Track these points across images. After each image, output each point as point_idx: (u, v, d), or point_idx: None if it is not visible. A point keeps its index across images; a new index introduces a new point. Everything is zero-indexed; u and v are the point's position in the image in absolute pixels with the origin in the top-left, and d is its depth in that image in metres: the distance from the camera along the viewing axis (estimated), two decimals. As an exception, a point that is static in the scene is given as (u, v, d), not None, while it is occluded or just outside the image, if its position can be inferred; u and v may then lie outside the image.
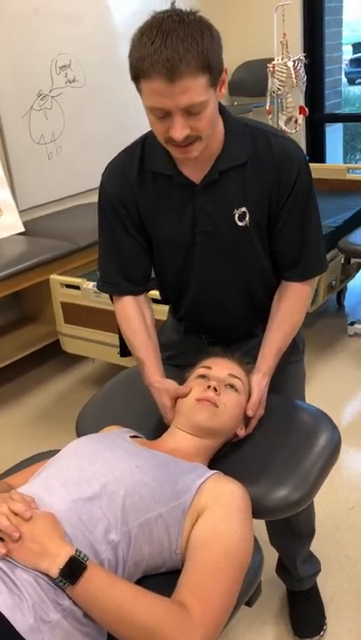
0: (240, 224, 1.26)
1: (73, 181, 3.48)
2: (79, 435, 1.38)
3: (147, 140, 1.28)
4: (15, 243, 2.96)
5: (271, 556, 1.65)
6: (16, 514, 0.89)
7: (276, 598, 1.74)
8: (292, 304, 1.35)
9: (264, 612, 1.70)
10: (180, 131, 1.08)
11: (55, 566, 0.85)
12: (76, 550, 0.87)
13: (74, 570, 0.85)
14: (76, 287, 2.55)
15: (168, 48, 1.01)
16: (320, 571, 1.69)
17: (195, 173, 1.24)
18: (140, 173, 1.28)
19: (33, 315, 3.17)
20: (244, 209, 1.26)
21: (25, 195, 3.26)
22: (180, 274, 1.37)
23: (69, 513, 0.94)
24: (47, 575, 0.86)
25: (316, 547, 1.67)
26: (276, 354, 1.32)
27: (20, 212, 3.18)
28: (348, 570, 1.81)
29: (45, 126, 3.32)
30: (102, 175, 1.34)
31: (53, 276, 2.64)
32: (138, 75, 1.06)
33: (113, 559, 0.93)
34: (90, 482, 0.99)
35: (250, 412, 1.24)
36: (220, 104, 1.19)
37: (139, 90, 1.10)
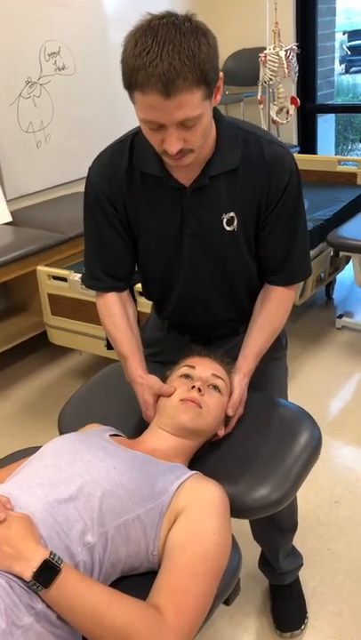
0: (228, 229, 1.26)
1: (62, 170, 3.45)
2: (61, 431, 1.38)
3: (136, 137, 1.26)
4: (2, 233, 2.94)
5: (254, 550, 1.66)
6: (-11, 516, 0.89)
7: (258, 592, 1.75)
8: (275, 307, 1.35)
9: (246, 605, 1.71)
10: (174, 144, 1.07)
11: (29, 570, 0.85)
12: (51, 553, 0.87)
13: (47, 573, 0.85)
14: (64, 279, 2.53)
15: (164, 61, 0.97)
16: (302, 565, 1.70)
17: (184, 177, 1.23)
18: (128, 171, 1.26)
19: (20, 306, 3.15)
20: (232, 214, 1.25)
21: (13, 184, 3.22)
22: (165, 274, 1.36)
23: (45, 514, 0.93)
24: (21, 579, 0.85)
25: (298, 541, 1.68)
26: (256, 355, 1.32)
27: (8, 201, 3.15)
28: (330, 564, 1.82)
29: (34, 114, 3.28)
30: (89, 169, 1.32)
31: (40, 268, 2.62)
32: (131, 85, 1.03)
33: (89, 561, 0.93)
34: (67, 482, 0.98)
35: (230, 412, 1.24)
36: (214, 109, 1.18)
37: (132, 99, 1.07)
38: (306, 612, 1.66)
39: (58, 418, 1.43)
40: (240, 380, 1.28)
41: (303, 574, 1.73)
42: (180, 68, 0.98)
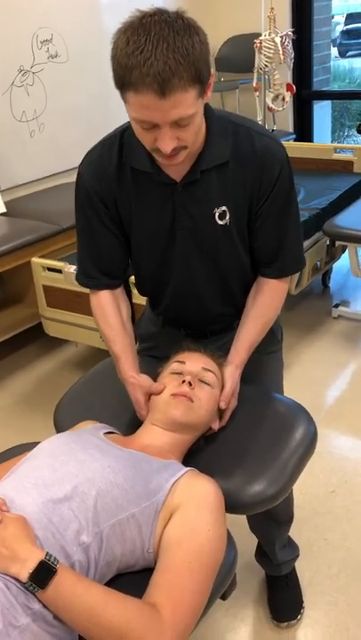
0: (220, 222, 1.25)
1: (56, 159, 3.42)
2: (57, 426, 1.38)
3: (126, 133, 1.24)
4: (-4, 224, 2.92)
5: (250, 541, 1.67)
6: (-14, 517, 0.89)
7: (254, 583, 1.76)
8: (268, 300, 1.35)
9: (243, 596, 1.73)
10: (168, 143, 1.06)
11: (25, 571, 0.85)
12: (46, 554, 0.87)
13: (44, 574, 0.85)
14: (59, 271, 2.52)
15: (159, 60, 0.95)
16: (298, 556, 1.71)
17: (175, 172, 1.22)
18: (118, 168, 1.25)
19: (16, 297, 3.13)
20: (224, 208, 1.24)
21: (7, 174, 3.20)
22: (159, 271, 1.35)
23: (40, 515, 0.94)
24: (17, 579, 0.85)
25: (295, 531, 1.69)
26: (248, 347, 1.32)
27: (2, 191, 3.13)
28: (326, 554, 1.84)
29: (27, 103, 3.25)
30: (80, 166, 1.31)
31: (35, 260, 2.61)
32: (124, 85, 1.01)
33: (84, 561, 0.93)
34: (61, 482, 0.99)
35: (223, 404, 1.25)
36: (205, 104, 1.16)
37: (123, 98, 1.05)
38: (302, 603, 1.68)
39: (54, 413, 1.43)
40: (232, 373, 1.28)
41: (299, 564, 1.74)
42: (175, 67, 0.97)
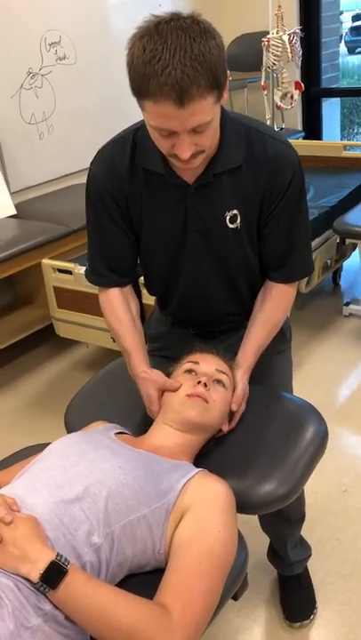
0: (231, 226, 1.25)
1: (65, 161, 3.43)
2: (68, 427, 1.38)
3: (138, 133, 1.24)
4: (7, 226, 2.94)
5: (262, 540, 1.67)
6: (-3, 518, 0.89)
7: (266, 583, 1.76)
8: (276, 304, 1.35)
9: (255, 596, 1.72)
10: (186, 150, 1.06)
11: (36, 571, 0.85)
12: (57, 555, 0.87)
13: (54, 575, 0.85)
14: (69, 272, 2.53)
15: (177, 68, 0.95)
16: (311, 555, 1.71)
17: (188, 174, 1.22)
18: (130, 167, 1.25)
19: (26, 298, 3.15)
20: (235, 211, 1.24)
21: (16, 176, 3.22)
22: (168, 271, 1.36)
23: (51, 515, 0.94)
24: (28, 580, 0.86)
25: (307, 531, 1.68)
26: (256, 351, 1.32)
27: (12, 193, 3.14)
28: (339, 554, 1.83)
29: (36, 105, 3.27)
30: (91, 164, 1.31)
31: (45, 261, 2.62)
32: (142, 94, 1.01)
33: (96, 562, 0.94)
34: (72, 483, 0.99)
35: (234, 407, 1.25)
36: None
37: (141, 106, 1.05)
38: (315, 603, 1.67)
39: (64, 414, 1.43)
40: (242, 376, 1.29)
41: (312, 564, 1.74)
42: (193, 76, 0.96)
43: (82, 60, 3.45)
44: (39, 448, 1.23)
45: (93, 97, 3.54)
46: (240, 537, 1.09)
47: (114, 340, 2.36)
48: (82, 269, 2.46)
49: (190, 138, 1.05)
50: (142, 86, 0.99)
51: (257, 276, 1.37)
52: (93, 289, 2.43)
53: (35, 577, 0.85)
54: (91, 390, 1.49)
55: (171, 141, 1.07)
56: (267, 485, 1.16)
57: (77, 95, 3.46)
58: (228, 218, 1.24)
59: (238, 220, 1.25)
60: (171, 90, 0.96)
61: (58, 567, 0.86)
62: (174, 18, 0.99)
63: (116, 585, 0.97)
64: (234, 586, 1.06)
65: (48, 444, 1.16)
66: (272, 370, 1.44)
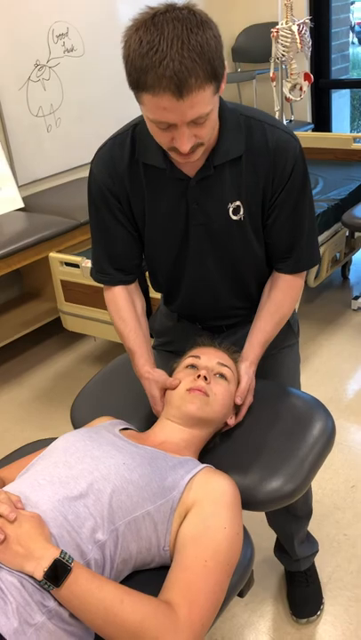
0: (234, 218, 1.24)
1: (73, 154, 3.42)
2: (74, 423, 1.38)
3: (137, 128, 1.23)
4: (15, 219, 2.93)
5: (269, 536, 1.66)
6: (0, 515, 0.89)
7: (273, 579, 1.75)
8: (283, 295, 1.34)
9: (261, 592, 1.72)
10: (186, 143, 1.04)
11: (40, 569, 0.85)
12: (61, 552, 0.87)
13: (59, 572, 0.85)
14: (76, 265, 2.52)
15: (174, 60, 0.93)
16: (318, 551, 1.70)
17: (188, 167, 1.20)
18: (130, 164, 1.24)
19: (34, 292, 3.15)
20: (238, 203, 1.22)
21: (24, 169, 3.21)
22: (173, 266, 1.34)
23: (55, 512, 0.93)
24: (33, 577, 0.85)
25: (314, 526, 1.67)
26: (263, 343, 1.31)
27: (20, 186, 3.13)
28: (346, 549, 1.82)
29: (43, 98, 3.25)
30: (91, 163, 1.30)
31: (52, 255, 2.62)
32: (139, 87, 0.99)
33: (100, 559, 0.93)
34: (77, 480, 0.98)
35: (238, 400, 1.23)
36: None
37: (138, 99, 1.04)
38: (322, 599, 1.66)
39: (70, 409, 1.43)
40: (247, 368, 1.27)
41: (319, 560, 1.73)
42: (191, 67, 0.95)
43: (90, 51, 3.43)
44: (43, 444, 1.23)
45: (101, 89, 3.52)
46: (246, 533, 1.08)
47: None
48: (89, 263, 2.45)
49: (190, 130, 1.04)
50: (140, 79, 0.98)
51: (263, 268, 1.35)
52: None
53: (39, 574, 0.85)
54: (96, 385, 1.48)
55: (170, 135, 1.05)
56: (273, 482, 1.15)
57: (85, 87, 3.45)
58: (231, 210, 1.23)
59: (242, 212, 1.23)
60: (169, 82, 0.95)
61: (62, 565, 0.85)
62: (170, 9, 0.98)
63: (121, 582, 0.97)
64: (240, 583, 1.05)
65: (52, 439, 1.16)
66: (279, 364, 1.42)
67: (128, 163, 1.24)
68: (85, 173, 3.84)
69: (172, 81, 0.95)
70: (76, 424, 1.37)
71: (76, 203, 3.04)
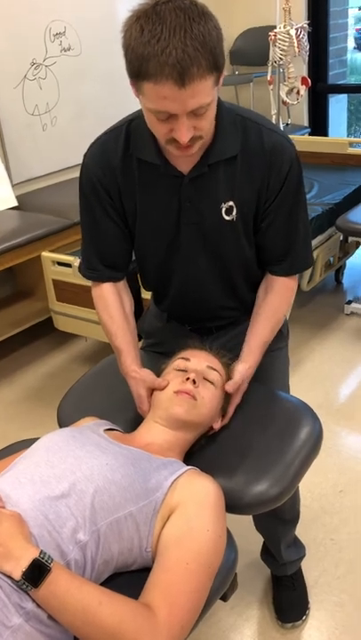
0: (227, 218, 1.23)
1: (69, 153, 3.41)
2: (60, 423, 1.37)
3: (132, 124, 1.22)
4: (8, 218, 2.92)
5: (255, 539, 1.65)
6: (-20, 514, 0.88)
7: (259, 582, 1.74)
8: (279, 298, 1.33)
9: (247, 596, 1.71)
10: (185, 134, 1.03)
11: (18, 569, 0.84)
12: (41, 552, 0.86)
13: (37, 573, 0.84)
14: (68, 265, 2.51)
15: (177, 48, 0.93)
16: (305, 556, 1.69)
17: (183, 164, 1.20)
18: (124, 158, 1.23)
19: (27, 291, 3.14)
20: (231, 203, 1.22)
21: (19, 168, 3.20)
22: (163, 264, 1.34)
23: (36, 512, 0.92)
24: (10, 578, 0.84)
25: (301, 530, 1.67)
26: (262, 347, 1.31)
27: (14, 185, 3.12)
28: (333, 554, 1.81)
29: (40, 97, 3.24)
30: (84, 157, 1.29)
31: (45, 254, 2.60)
32: (140, 75, 0.99)
33: (81, 559, 0.92)
34: (59, 479, 0.97)
35: (228, 388, 1.23)
36: None
37: (138, 89, 1.03)
38: (308, 603, 1.66)
39: (57, 409, 1.42)
40: (244, 369, 1.27)
41: (306, 564, 1.72)
42: (194, 56, 0.94)
43: (86, 51, 3.42)
44: (28, 443, 1.21)
45: (98, 88, 3.51)
46: (229, 536, 1.07)
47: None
48: (81, 262, 2.45)
49: (189, 121, 1.03)
50: (141, 67, 0.97)
51: (254, 270, 1.35)
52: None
53: (17, 575, 0.84)
54: (83, 386, 1.47)
55: (169, 126, 1.04)
56: (259, 485, 1.14)
57: (81, 87, 3.44)
58: (223, 210, 1.22)
59: (234, 212, 1.23)
60: (172, 69, 0.94)
61: (41, 565, 0.84)
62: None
63: (102, 584, 0.96)
64: (222, 586, 1.04)
65: (37, 439, 1.14)
66: (269, 367, 1.41)
67: (122, 156, 1.23)
68: (80, 173, 3.80)
69: (175, 69, 0.94)
70: (62, 424, 1.36)
71: (69, 202, 3.02)
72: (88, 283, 2.43)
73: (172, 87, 0.97)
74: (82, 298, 2.52)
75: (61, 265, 2.54)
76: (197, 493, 1.02)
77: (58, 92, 3.33)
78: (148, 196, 1.24)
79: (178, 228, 1.26)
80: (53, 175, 3.40)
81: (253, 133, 1.20)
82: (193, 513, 1.00)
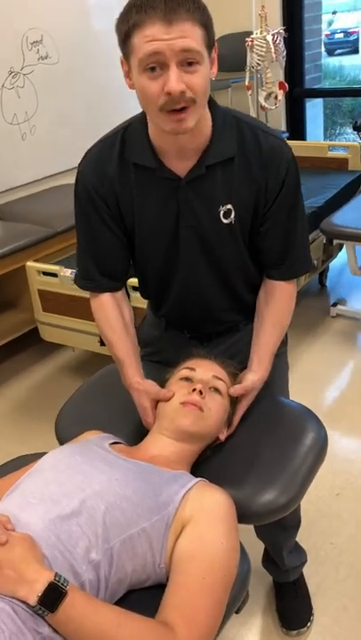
0: (225, 221, 1.22)
1: (49, 162, 3.38)
2: (59, 437, 1.34)
3: (127, 130, 1.21)
4: (-11, 228, 2.87)
5: (256, 546, 1.64)
6: (-10, 537, 0.85)
7: (261, 590, 1.73)
8: (282, 305, 1.33)
9: (250, 604, 1.67)
10: (176, 82, 1.01)
11: (34, 594, 0.81)
12: (56, 575, 0.83)
13: (53, 597, 0.81)
14: (54, 274, 2.48)
15: None
16: (306, 561, 1.68)
17: (179, 167, 1.18)
18: (120, 165, 1.21)
19: (11, 301, 3.08)
20: (229, 206, 1.21)
21: (-1, 177, 3.16)
22: (162, 270, 1.32)
23: (47, 532, 0.90)
24: (25, 603, 0.81)
25: (300, 536, 1.65)
26: (271, 356, 1.30)
27: (-5, 195, 3.09)
28: (333, 558, 1.81)
29: (18, 105, 3.21)
30: (79, 165, 1.27)
31: (30, 264, 2.56)
32: (130, 29, 1.01)
33: (95, 579, 0.90)
34: (68, 497, 0.95)
35: (232, 392, 1.21)
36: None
37: (129, 50, 1.03)
38: (311, 609, 1.65)
39: (55, 424, 1.39)
40: (255, 379, 1.25)
41: (307, 570, 1.71)
42: (181, 1, 0.98)
43: (64, 59, 3.40)
44: (28, 459, 1.18)
45: (76, 97, 3.49)
46: (241, 548, 1.05)
47: (100, 344, 2.33)
48: (67, 272, 2.41)
49: (180, 72, 1.01)
50: (130, 21, 1.00)
51: (253, 273, 1.34)
52: (79, 292, 2.37)
53: (33, 600, 0.81)
54: (81, 398, 1.44)
55: (161, 82, 1.02)
56: (267, 494, 1.13)
57: (60, 95, 3.41)
58: (222, 213, 1.21)
59: (232, 215, 1.21)
60: (160, 9, 0.97)
61: (57, 588, 0.82)
62: None
63: (115, 603, 0.93)
64: (238, 598, 1.02)
65: (37, 454, 1.11)
66: (270, 374, 1.40)
67: (117, 164, 1.21)
68: (61, 181, 3.81)
69: (161, 9, 0.97)
70: (61, 437, 1.32)
71: (52, 211, 2.99)
72: (75, 292, 2.42)
73: (159, 25, 0.98)
74: (68, 307, 2.49)
75: (47, 275, 2.51)
76: (209, 506, 1.00)
77: (36, 101, 3.29)
78: (145, 200, 1.23)
79: (176, 232, 1.24)
80: (34, 184, 3.36)
81: (250, 136, 1.19)
82: (206, 526, 0.98)
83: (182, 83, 1.02)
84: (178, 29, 0.98)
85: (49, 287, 2.52)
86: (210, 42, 1.04)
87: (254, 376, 1.26)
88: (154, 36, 0.99)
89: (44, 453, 1.17)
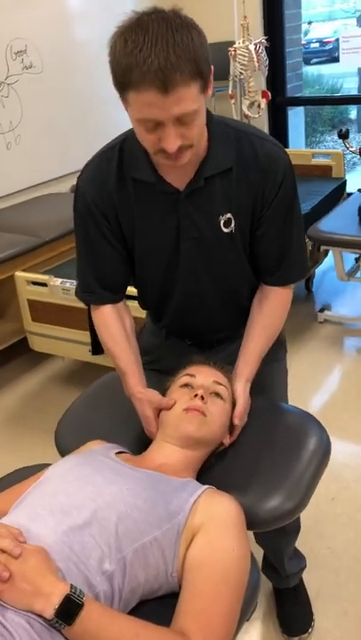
0: (226, 230, 1.22)
1: (34, 171, 3.36)
2: (59, 448, 1.32)
3: (125, 143, 1.21)
4: (-24, 238, 2.85)
5: (256, 554, 1.63)
6: (4, 551, 0.83)
7: (261, 596, 1.73)
8: (274, 309, 1.33)
9: (251, 611, 1.68)
10: (173, 142, 1.02)
11: (50, 607, 0.80)
12: (71, 587, 0.82)
13: (70, 609, 0.80)
14: (44, 284, 2.46)
15: (159, 56, 0.93)
16: (306, 567, 1.68)
17: (178, 180, 1.19)
18: (119, 180, 1.22)
19: (-2, 312, 3.06)
20: (229, 215, 1.21)
21: (-16, 187, 3.14)
22: (163, 281, 1.32)
23: (60, 544, 0.89)
24: (41, 616, 0.80)
25: (298, 541, 1.66)
26: (258, 358, 1.30)
27: (-20, 205, 3.07)
28: (332, 562, 1.81)
29: (2, 115, 3.20)
30: (78, 179, 1.27)
31: (19, 274, 2.54)
32: (125, 85, 0.99)
33: (109, 590, 0.89)
34: (79, 508, 0.94)
35: (237, 421, 1.21)
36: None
37: (125, 100, 1.03)
38: (312, 615, 1.65)
39: (55, 435, 1.37)
40: (243, 388, 1.25)
41: (306, 575, 1.71)
42: (176, 63, 0.95)
43: (48, 69, 3.40)
44: (34, 470, 1.17)
45: (61, 106, 3.48)
46: (251, 555, 1.05)
47: (92, 354, 2.32)
48: (57, 281, 2.40)
49: (176, 129, 1.02)
50: (125, 77, 0.98)
51: (253, 281, 1.35)
52: (69, 301, 2.37)
53: (49, 613, 0.80)
54: (80, 408, 1.43)
55: (157, 135, 1.04)
56: (272, 500, 1.13)
57: (45, 104, 3.40)
58: (222, 222, 1.22)
59: (233, 224, 1.22)
60: (154, 77, 0.95)
61: (73, 601, 0.81)
62: (155, 11, 0.99)
63: (129, 613, 0.92)
64: (250, 606, 1.02)
65: (38, 466, 1.10)
66: (269, 379, 1.41)
67: (116, 178, 1.21)
68: (47, 191, 3.79)
69: (157, 76, 0.95)
70: (62, 448, 1.31)
71: (38, 220, 2.98)
72: (65, 302, 2.41)
73: (155, 94, 0.97)
74: (58, 317, 2.47)
75: (36, 284, 2.49)
76: (219, 513, 1.00)
77: (21, 110, 3.28)
78: (145, 214, 1.23)
79: (177, 244, 1.24)
80: (19, 194, 3.34)
81: (247, 144, 1.20)
82: (216, 534, 0.98)
83: (179, 138, 1.03)
84: (174, 97, 0.97)
85: (38, 297, 2.50)
86: (205, 76, 1.02)
87: (241, 385, 1.25)
88: (150, 104, 0.98)
89: (44, 465, 1.16)
